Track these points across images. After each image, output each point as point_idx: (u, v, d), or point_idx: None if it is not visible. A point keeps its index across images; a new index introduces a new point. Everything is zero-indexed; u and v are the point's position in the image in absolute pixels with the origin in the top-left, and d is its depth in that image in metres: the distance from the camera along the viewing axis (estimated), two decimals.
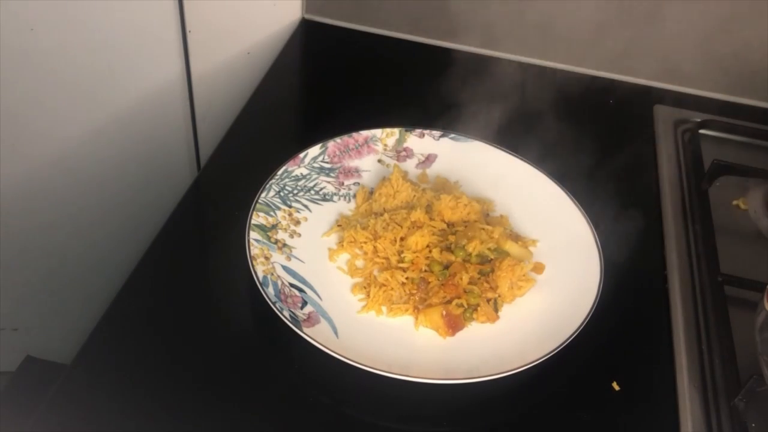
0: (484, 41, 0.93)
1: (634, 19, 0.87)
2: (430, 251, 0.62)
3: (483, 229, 0.64)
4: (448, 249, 0.63)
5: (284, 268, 0.61)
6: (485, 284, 0.61)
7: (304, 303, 0.58)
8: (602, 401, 0.56)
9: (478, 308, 0.59)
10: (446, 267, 0.61)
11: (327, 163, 0.72)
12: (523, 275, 0.62)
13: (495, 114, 0.78)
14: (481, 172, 0.72)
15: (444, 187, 0.71)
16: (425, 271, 0.61)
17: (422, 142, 0.75)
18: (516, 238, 0.66)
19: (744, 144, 0.83)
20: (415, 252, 0.62)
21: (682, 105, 0.88)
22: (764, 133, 0.82)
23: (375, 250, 0.63)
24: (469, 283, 0.60)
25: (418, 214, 0.64)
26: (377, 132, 0.75)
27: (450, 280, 0.60)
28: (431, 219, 0.65)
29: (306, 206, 0.68)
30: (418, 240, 0.62)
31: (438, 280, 0.61)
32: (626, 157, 0.80)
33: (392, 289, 0.60)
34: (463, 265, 0.61)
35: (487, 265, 0.62)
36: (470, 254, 0.62)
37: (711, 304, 0.62)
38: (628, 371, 0.58)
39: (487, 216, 0.69)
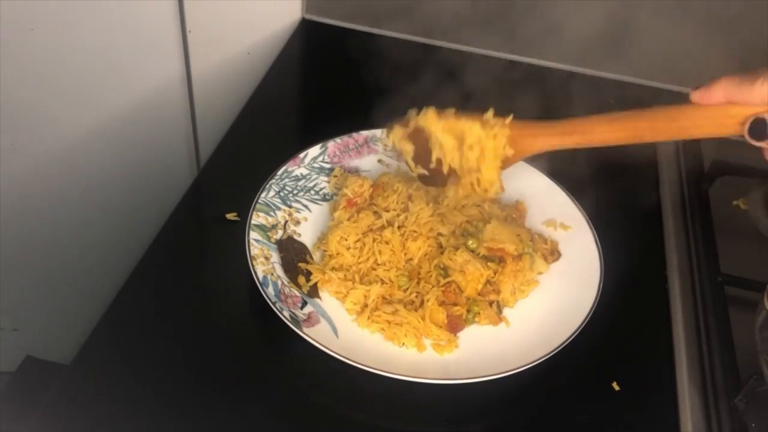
0: (483, 42, 0.93)
1: (635, 19, 0.86)
2: (421, 260, 0.62)
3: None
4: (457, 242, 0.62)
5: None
6: (488, 287, 0.61)
7: (304, 303, 0.58)
8: (602, 401, 0.56)
9: (481, 312, 0.59)
10: (444, 269, 0.61)
11: (327, 163, 0.72)
12: (526, 280, 0.62)
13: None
14: None
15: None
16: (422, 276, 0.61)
17: None
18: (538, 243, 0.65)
19: (744, 144, 0.82)
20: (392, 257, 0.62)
21: None
22: None
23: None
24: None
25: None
26: (377, 132, 0.75)
27: (449, 287, 0.60)
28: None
29: (306, 206, 0.68)
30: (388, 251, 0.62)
31: (438, 283, 0.60)
32: (626, 156, 0.80)
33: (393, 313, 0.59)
34: (463, 275, 0.60)
35: (492, 268, 0.61)
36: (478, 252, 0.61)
37: (711, 304, 0.62)
38: (628, 371, 0.58)
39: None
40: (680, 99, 0.90)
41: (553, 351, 0.54)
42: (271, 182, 0.66)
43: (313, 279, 0.60)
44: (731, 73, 0.46)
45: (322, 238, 0.64)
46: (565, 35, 0.90)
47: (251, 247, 0.60)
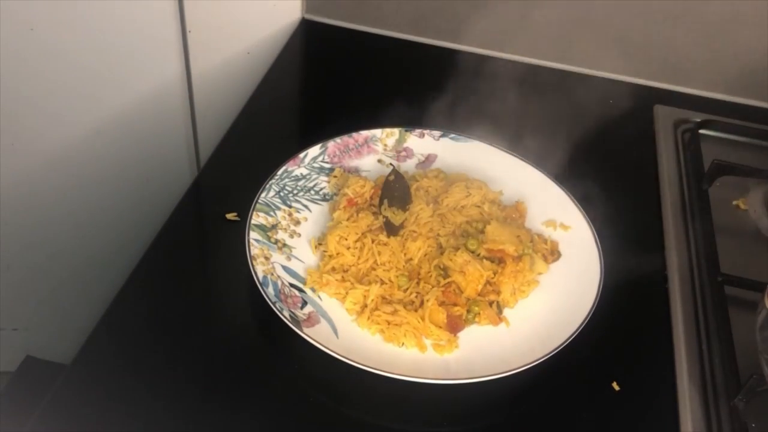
0: (483, 41, 0.93)
1: (634, 19, 0.87)
2: (421, 261, 0.62)
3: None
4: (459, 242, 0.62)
5: (284, 268, 0.61)
6: (488, 287, 0.61)
7: (304, 303, 0.58)
8: (602, 401, 0.56)
9: (481, 312, 0.59)
10: (444, 269, 0.61)
11: (327, 163, 0.72)
12: (526, 280, 0.62)
13: (493, 113, 0.78)
14: (481, 172, 0.72)
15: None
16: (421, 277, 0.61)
17: (422, 142, 0.75)
18: (538, 243, 0.65)
19: (744, 144, 0.82)
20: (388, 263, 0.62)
21: (682, 105, 0.88)
22: (764, 133, 0.82)
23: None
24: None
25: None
26: (377, 132, 0.75)
27: (449, 287, 0.60)
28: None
29: (306, 206, 0.68)
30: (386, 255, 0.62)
31: (438, 283, 0.60)
32: (626, 157, 0.80)
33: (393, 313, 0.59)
34: (463, 276, 0.60)
35: (491, 268, 0.61)
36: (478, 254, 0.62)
37: (711, 304, 0.62)
38: (628, 371, 0.58)
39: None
40: (679, 98, 0.90)
41: (553, 351, 0.54)
42: (271, 182, 0.66)
43: (309, 284, 0.60)
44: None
45: (322, 238, 0.64)
46: (566, 35, 0.90)
47: (251, 247, 0.60)
